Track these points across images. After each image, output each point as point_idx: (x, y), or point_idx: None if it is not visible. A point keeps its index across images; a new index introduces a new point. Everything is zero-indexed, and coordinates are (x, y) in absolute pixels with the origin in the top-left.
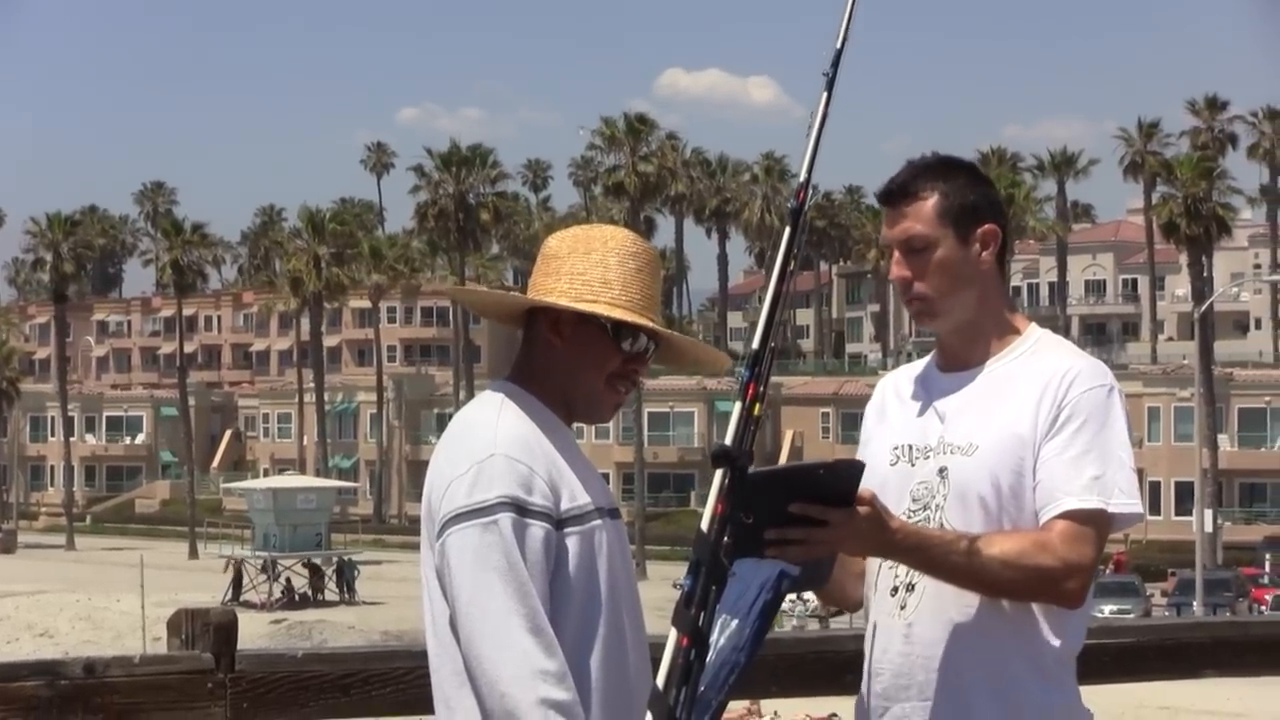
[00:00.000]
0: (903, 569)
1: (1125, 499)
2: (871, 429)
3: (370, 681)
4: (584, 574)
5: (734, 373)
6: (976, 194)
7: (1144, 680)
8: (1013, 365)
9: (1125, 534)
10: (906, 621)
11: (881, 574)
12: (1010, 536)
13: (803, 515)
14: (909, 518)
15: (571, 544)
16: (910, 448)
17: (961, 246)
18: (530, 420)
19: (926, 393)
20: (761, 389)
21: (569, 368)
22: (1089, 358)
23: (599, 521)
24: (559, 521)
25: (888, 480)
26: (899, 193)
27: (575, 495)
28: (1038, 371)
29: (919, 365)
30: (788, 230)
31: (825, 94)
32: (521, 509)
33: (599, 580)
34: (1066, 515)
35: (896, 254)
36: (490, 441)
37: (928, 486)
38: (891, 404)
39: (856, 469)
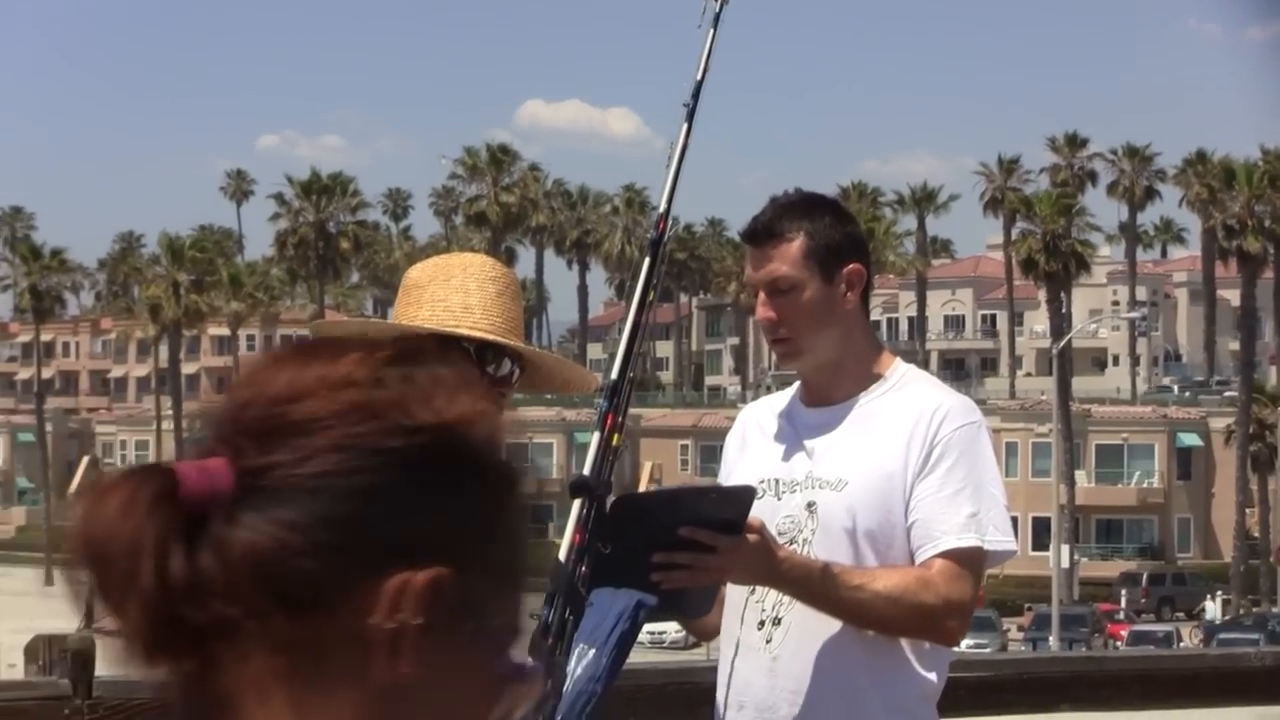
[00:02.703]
0: (769, 602)
1: (1000, 536)
2: (733, 461)
3: None
4: None
5: (597, 396)
6: (841, 234)
7: (1000, 714)
8: (879, 401)
9: None
10: (772, 655)
11: (748, 607)
12: (894, 573)
13: (691, 540)
14: None
15: None
16: (777, 481)
17: (827, 287)
18: None
19: (792, 426)
20: (620, 419)
21: None
22: (956, 394)
23: None
24: None
25: (753, 512)
26: (764, 233)
27: None
28: (906, 408)
29: (782, 398)
30: (647, 261)
31: (685, 125)
32: None
33: None
34: (946, 554)
35: (761, 295)
36: None
37: (794, 520)
38: (754, 436)
39: (748, 495)
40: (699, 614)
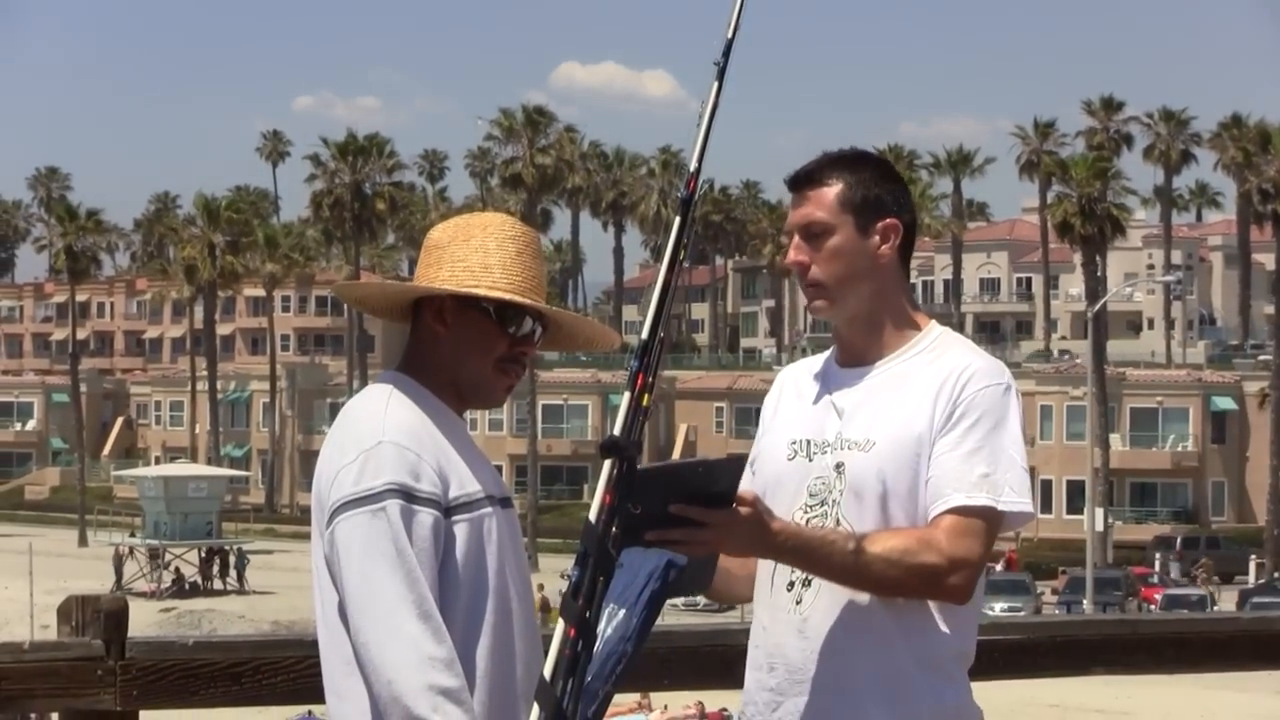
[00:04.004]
0: None
1: (1015, 497)
2: (768, 422)
3: (261, 670)
4: (473, 561)
5: (626, 350)
6: (882, 188)
7: (1034, 677)
8: (911, 362)
9: (1016, 532)
10: (802, 616)
11: (778, 569)
12: (895, 534)
13: (682, 516)
14: (806, 512)
15: (460, 531)
16: (808, 442)
17: (860, 237)
18: (418, 409)
19: (825, 388)
20: (650, 379)
21: (455, 355)
22: (987, 356)
23: (489, 509)
24: (447, 509)
25: (785, 474)
26: (805, 179)
27: (464, 483)
28: (937, 369)
29: (818, 360)
30: (678, 219)
31: (716, 83)
32: (409, 496)
33: (488, 568)
34: (953, 511)
35: (795, 238)
36: (378, 430)
37: (825, 482)
38: (789, 398)
39: (736, 466)
40: (699, 589)
